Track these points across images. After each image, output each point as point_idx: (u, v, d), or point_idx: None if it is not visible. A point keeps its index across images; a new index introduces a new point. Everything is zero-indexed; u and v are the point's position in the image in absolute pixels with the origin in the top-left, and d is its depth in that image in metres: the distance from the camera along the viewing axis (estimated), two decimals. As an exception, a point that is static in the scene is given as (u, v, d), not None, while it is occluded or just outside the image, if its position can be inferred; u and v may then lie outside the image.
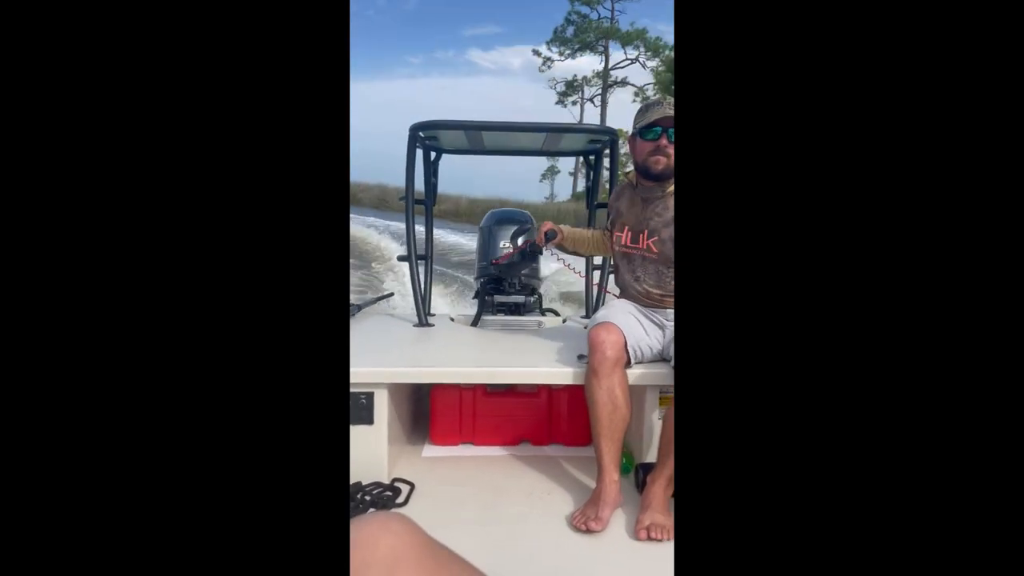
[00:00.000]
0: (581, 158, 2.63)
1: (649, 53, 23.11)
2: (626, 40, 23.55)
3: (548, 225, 1.78)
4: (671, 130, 1.45)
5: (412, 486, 1.47)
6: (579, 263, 2.24)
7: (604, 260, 2.35)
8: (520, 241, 1.92)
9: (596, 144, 2.43)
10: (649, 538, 1.25)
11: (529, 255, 1.89)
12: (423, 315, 2.12)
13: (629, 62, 24.24)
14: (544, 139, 2.35)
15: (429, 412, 1.81)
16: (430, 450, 1.76)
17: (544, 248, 1.80)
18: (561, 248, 1.82)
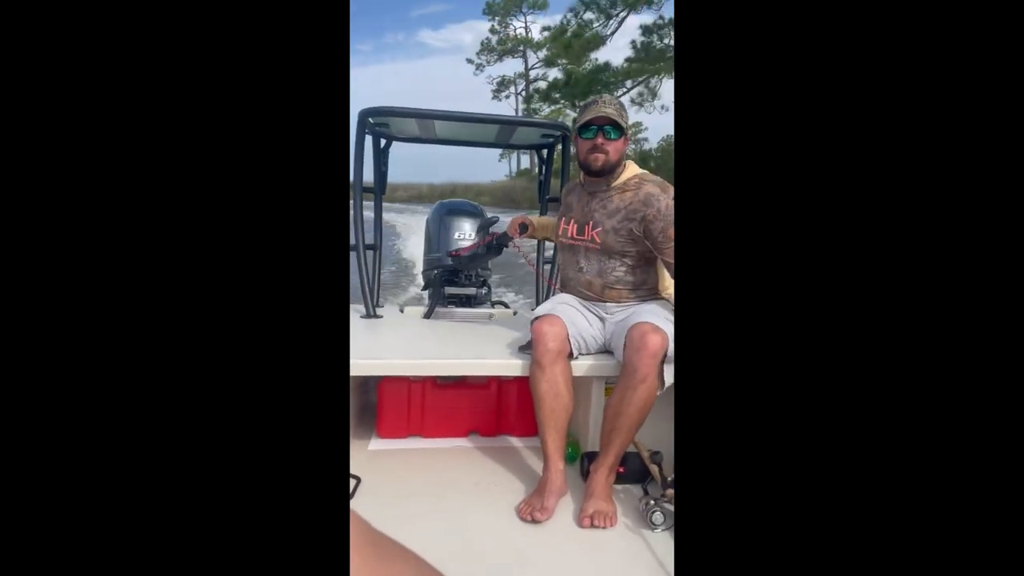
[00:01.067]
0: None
1: (560, 50, 27.09)
2: (538, 46, 29.31)
3: (521, 218, 1.84)
4: (607, 127, 1.49)
5: (358, 480, 1.46)
6: (533, 255, 2.28)
7: (554, 254, 2.38)
8: (487, 234, 1.93)
9: (549, 138, 2.44)
10: (592, 525, 1.29)
11: (495, 248, 1.90)
12: (371, 306, 2.08)
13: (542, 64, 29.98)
14: (497, 131, 2.35)
15: (376, 405, 1.79)
16: (377, 443, 1.74)
17: (515, 239, 1.85)
18: (532, 238, 1.88)
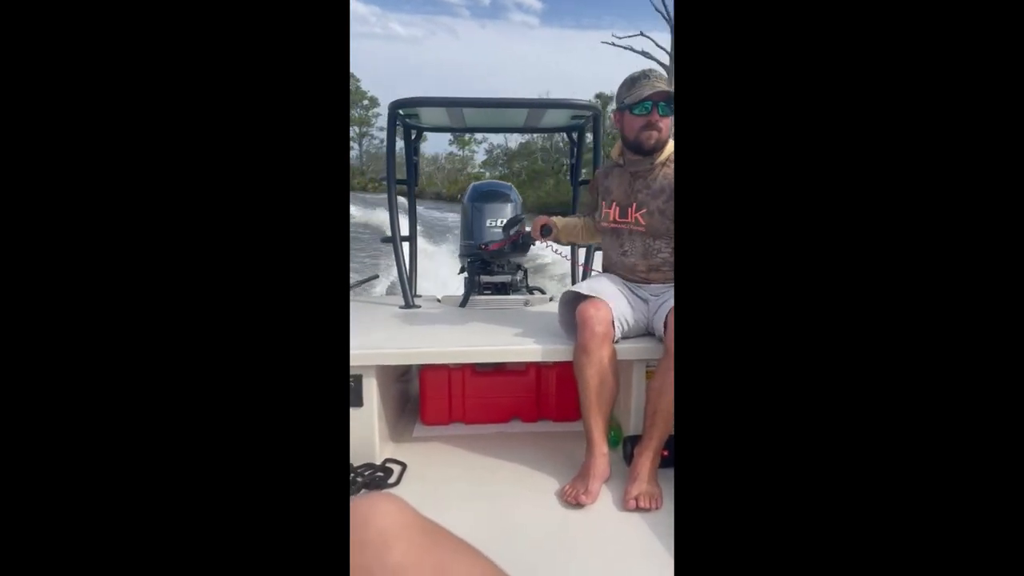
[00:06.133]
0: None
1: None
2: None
3: (544, 220, 1.76)
4: (661, 104, 1.44)
5: (404, 466, 1.49)
6: (565, 247, 2.25)
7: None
8: (512, 232, 1.91)
9: (579, 120, 2.40)
10: (638, 508, 1.28)
11: (521, 246, 1.88)
12: (409, 297, 2.11)
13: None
14: (526, 116, 2.33)
15: (419, 393, 1.82)
16: (421, 430, 1.77)
17: (540, 242, 1.80)
18: (556, 241, 1.82)
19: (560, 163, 26.21)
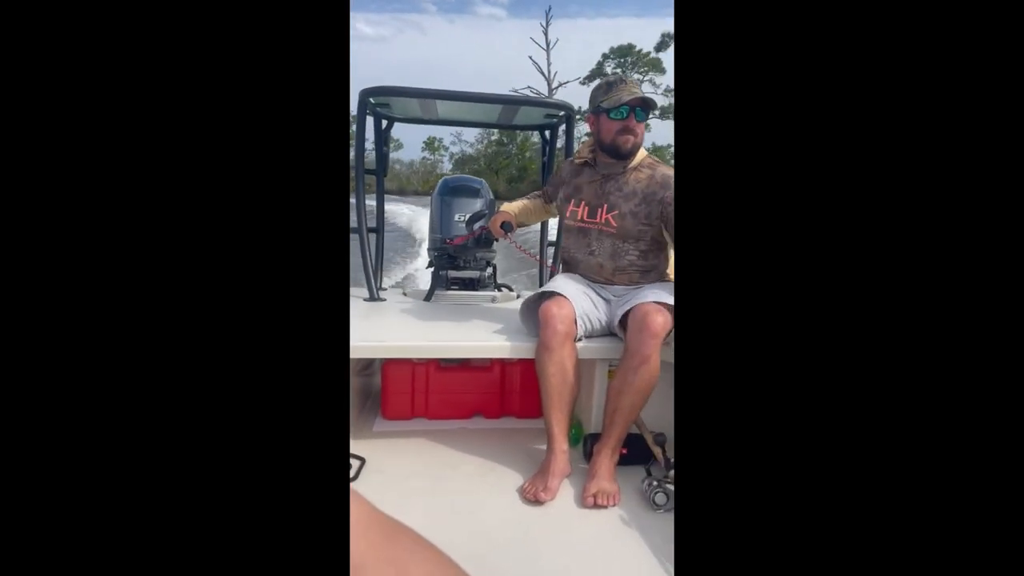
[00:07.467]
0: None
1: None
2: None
3: (503, 217, 1.76)
4: (638, 109, 1.46)
5: (363, 461, 1.47)
6: (534, 246, 2.26)
7: (557, 240, 2.37)
8: (476, 227, 1.90)
9: (552, 119, 2.41)
10: (596, 505, 1.30)
11: (484, 241, 1.88)
12: (374, 289, 2.08)
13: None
14: (500, 111, 2.32)
15: (380, 387, 1.80)
16: (381, 425, 1.75)
17: (501, 238, 1.80)
18: (526, 224, 1.85)
19: (499, 162, 35.00)
